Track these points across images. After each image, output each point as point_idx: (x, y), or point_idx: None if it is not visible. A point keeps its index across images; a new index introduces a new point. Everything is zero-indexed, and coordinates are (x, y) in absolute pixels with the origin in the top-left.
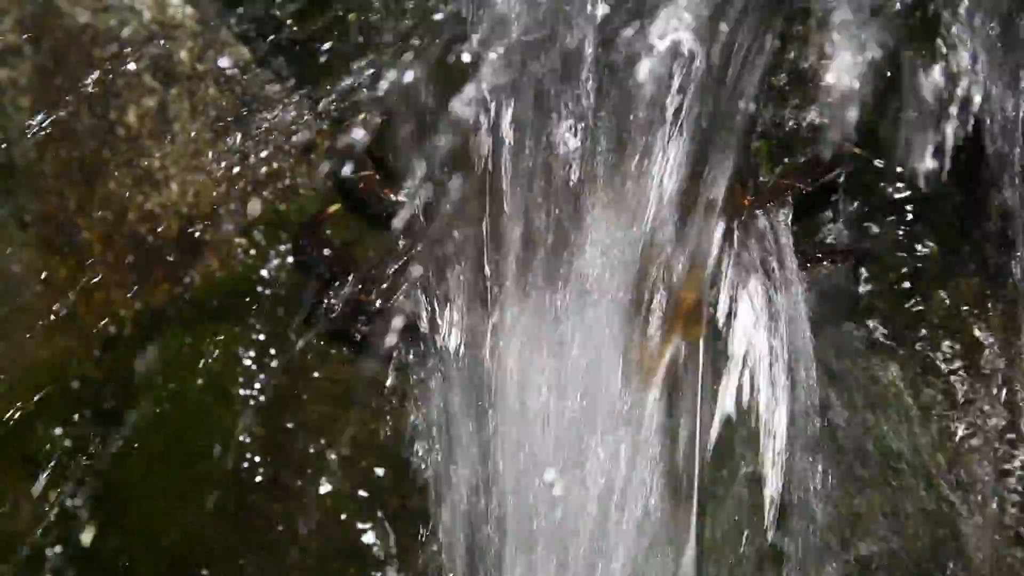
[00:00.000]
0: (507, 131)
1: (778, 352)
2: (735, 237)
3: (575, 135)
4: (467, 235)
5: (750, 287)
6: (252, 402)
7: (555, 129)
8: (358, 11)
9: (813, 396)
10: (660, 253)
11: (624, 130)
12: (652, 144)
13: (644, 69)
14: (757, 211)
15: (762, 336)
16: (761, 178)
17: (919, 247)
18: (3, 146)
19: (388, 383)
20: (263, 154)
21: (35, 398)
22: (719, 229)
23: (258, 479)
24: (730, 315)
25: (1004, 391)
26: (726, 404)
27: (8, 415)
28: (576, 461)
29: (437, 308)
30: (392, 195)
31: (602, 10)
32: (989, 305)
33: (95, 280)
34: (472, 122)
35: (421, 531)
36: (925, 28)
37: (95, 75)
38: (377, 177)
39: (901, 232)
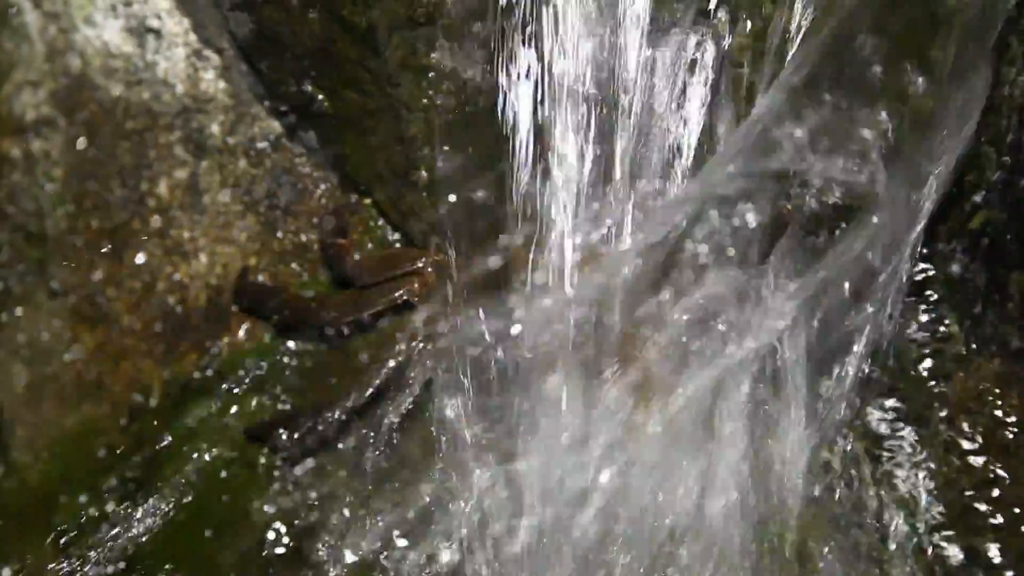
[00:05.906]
0: None
1: None
2: None
3: None
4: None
5: None
6: (276, 472)
7: None
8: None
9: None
10: None
11: None
12: None
13: None
14: None
15: None
16: None
17: (941, 328)
18: (35, 216)
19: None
20: (292, 227)
21: (61, 466)
22: None
23: (281, 551)
24: None
25: None
26: None
27: (34, 482)
28: None
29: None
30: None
31: None
32: (1010, 385)
33: (123, 349)
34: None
35: None
36: None
37: (127, 147)
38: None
39: (923, 312)
